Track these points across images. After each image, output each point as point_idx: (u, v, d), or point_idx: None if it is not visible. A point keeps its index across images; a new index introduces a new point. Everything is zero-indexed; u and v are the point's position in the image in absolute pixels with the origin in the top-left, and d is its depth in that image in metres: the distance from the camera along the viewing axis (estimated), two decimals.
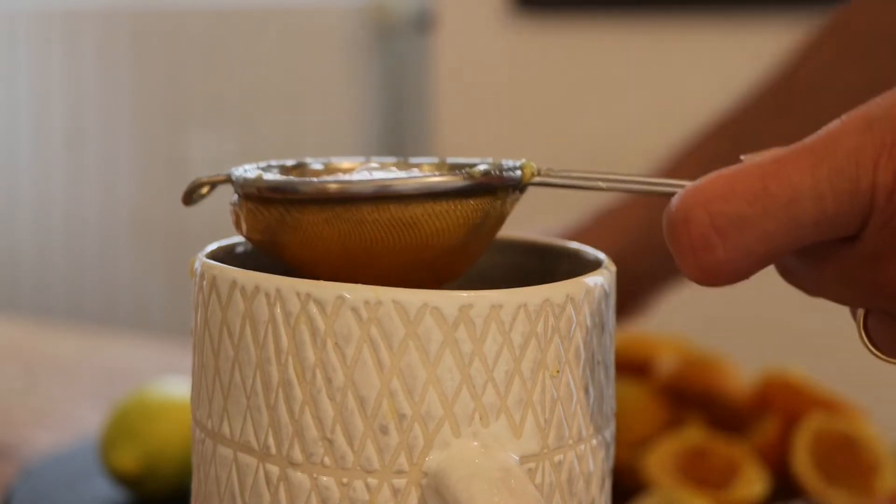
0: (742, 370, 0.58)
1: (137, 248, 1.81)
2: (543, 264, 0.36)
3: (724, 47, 1.18)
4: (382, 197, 0.28)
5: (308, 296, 0.27)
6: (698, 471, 0.50)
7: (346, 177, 0.30)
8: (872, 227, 0.25)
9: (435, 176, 0.29)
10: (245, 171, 0.31)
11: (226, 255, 0.34)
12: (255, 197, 0.30)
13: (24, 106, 1.89)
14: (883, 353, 0.28)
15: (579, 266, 0.33)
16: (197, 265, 0.31)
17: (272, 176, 0.30)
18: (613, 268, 0.32)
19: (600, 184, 0.30)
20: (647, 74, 1.23)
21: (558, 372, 0.28)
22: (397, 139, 1.61)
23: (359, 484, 0.27)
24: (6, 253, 1.92)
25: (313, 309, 0.27)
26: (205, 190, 0.33)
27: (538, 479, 0.28)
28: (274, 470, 0.28)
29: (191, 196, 0.33)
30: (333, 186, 0.29)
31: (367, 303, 0.27)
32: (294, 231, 0.29)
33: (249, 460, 0.28)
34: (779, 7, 1.15)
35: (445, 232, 0.29)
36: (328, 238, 0.29)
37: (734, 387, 0.56)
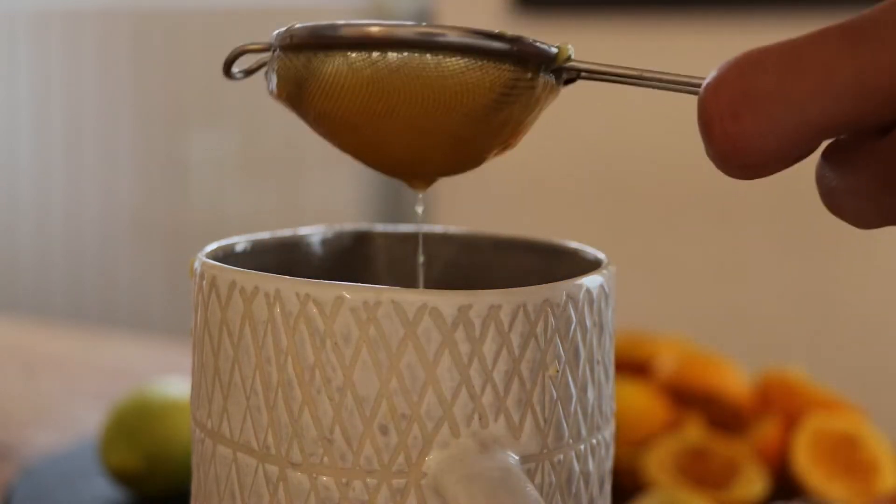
0: (742, 370, 0.58)
1: (137, 248, 1.81)
2: (543, 264, 0.36)
3: (724, 47, 1.18)
4: (404, 43, 0.28)
5: (307, 296, 0.27)
6: (698, 471, 0.50)
7: (370, 21, 0.29)
8: None
9: (458, 29, 0.28)
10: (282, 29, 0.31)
11: (226, 255, 0.34)
12: (285, 47, 0.30)
13: (23, 106, 1.89)
14: None
15: (579, 266, 0.33)
16: (197, 265, 0.31)
17: (308, 23, 0.30)
18: (613, 268, 0.32)
19: (633, 73, 0.30)
20: None
21: (558, 372, 0.28)
22: None
23: (358, 484, 0.27)
24: (6, 253, 1.92)
25: (313, 309, 0.27)
26: (253, 50, 0.32)
27: (538, 479, 0.28)
28: (273, 470, 0.28)
29: (230, 65, 0.33)
30: (346, 31, 0.28)
31: (366, 303, 0.27)
32: (317, 78, 0.29)
33: (249, 460, 0.28)
34: (778, 7, 1.15)
35: (471, 91, 0.28)
36: (350, 85, 0.29)
37: (734, 387, 0.56)
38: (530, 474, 0.28)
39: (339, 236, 0.38)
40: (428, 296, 0.27)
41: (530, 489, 0.26)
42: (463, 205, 1.32)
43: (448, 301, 0.27)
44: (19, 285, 1.91)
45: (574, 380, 0.29)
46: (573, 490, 0.29)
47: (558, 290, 0.28)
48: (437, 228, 0.39)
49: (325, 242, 0.38)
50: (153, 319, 1.77)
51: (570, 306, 0.29)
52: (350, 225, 0.39)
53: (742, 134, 0.24)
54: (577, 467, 0.29)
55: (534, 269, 0.36)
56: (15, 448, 0.62)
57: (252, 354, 0.28)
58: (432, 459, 0.27)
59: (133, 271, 1.81)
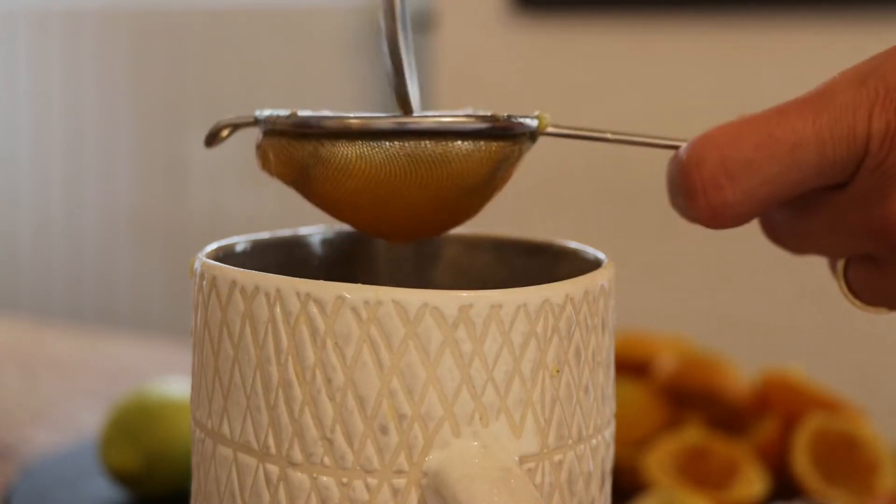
0: (742, 370, 0.58)
1: (137, 248, 1.81)
2: (543, 264, 0.36)
3: (724, 47, 1.18)
4: (414, 133, 0.30)
5: (308, 296, 0.27)
6: (698, 471, 0.50)
7: (370, 115, 0.31)
8: (864, 171, 0.28)
9: (464, 117, 0.31)
10: (270, 111, 0.32)
11: (226, 255, 0.34)
12: (289, 133, 0.31)
13: (23, 106, 1.89)
14: (863, 302, 0.31)
15: (579, 266, 0.33)
16: (197, 265, 0.31)
17: (306, 112, 0.31)
18: (613, 268, 0.32)
19: (608, 136, 0.32)
20: (648, 74, 1.23)
21: (558, 372, 0.28)
22: None
23: (358, 484, 0.27)
24: (6, 253, 1.92)
25: (313, 309, 0.27)
26: (226, 132, 0.34)
27: (538, 479, 0.28)
28: (274, 470, 0.28)
29: (213, 139, 0.34)
30: (359, 122, 0.30)
31: (366, 303, 0.27)
32: (325, 165, 0.31)
33: (249, 460, 0.28)
34: (778, 7, 1.15)
35: (470, 170, 0.31)
36: (360, 172, 0.30)
37: (734, 387, 0.56)
38: (531, 474, 0.28)
39: (339, 236, 0.38)
40: (429, 295, 0.27)
41: (531, 489, 0.26)
42: None
43: (449, 301, 0.27)
44: (19, 285, 1.91)
45: (574, 380, 0.29)
46: (573, 490, 0.29)
47: (558, 290, 0.28)
48: None
49: (325, 242, 0.38)
50: (153, 319, 1.77)
51: (570, 306, 0.29)
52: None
53: (723, 204, 0.28)
54: (577, 467, 0.29)
55: (534, 269, 0.36)
56: (15, 448, 0.62)
57: (252, 354, 0.28)
58: (432, 459, 0.27)
59: (133, 271, 1.81)
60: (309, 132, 0.31)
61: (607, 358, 0.31)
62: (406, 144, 0.30)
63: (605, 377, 0.31)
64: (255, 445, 0.28)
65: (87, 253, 1.85)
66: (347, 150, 0.30)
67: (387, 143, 0.30)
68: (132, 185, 1.81)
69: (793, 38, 1.14)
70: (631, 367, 0.58)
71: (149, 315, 1.78)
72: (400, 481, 0.27)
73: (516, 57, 1.32)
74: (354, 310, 0.27)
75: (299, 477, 0.28)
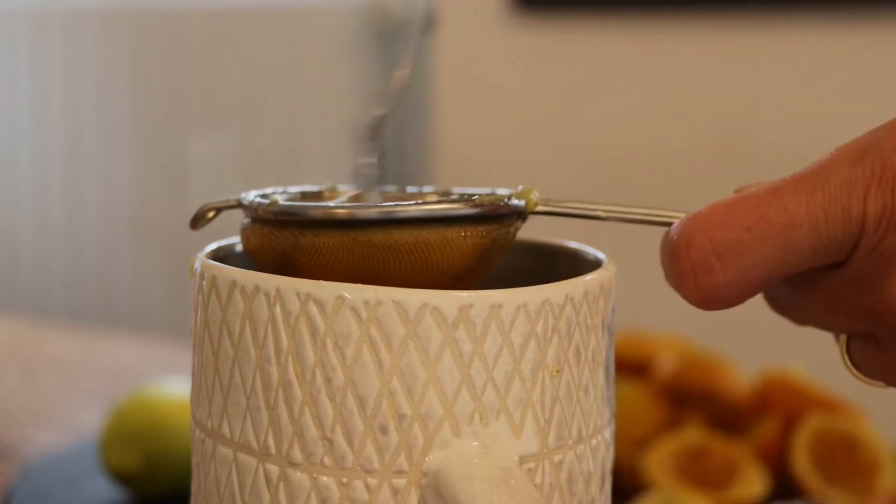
0: (742, 370, 0.58)
1: (137, 248, 1.80)
2: (543, 264, 0.36)
3: (724, 47, 1.18)
4: (395, 221, 0.29)
5: (308, 296, 0.27)
6: (698, 471, 0.50)
7: (356, 203, 0.31)
8: (861, 252, 0.27)
9: (446, 202, 0.30)
10: (255, 196, 0.32)
11: (226, 255, 0.34)
12: (270, 221, 0.31)
13: (23, 106, 1.89)
14: (864, 375, 0.30)
15: (579, 266, 0.33)
16: (197, 265, 0.31)
17: (286, 201, 0.31)
18: (613, 268, 0.32)
19: (599, 213, 0.31)
20: (648, 74, 1.23)
21: (558, 372, 0.28)
22: (397, 139, 1.61)
23: (358, 484, 0.27)
24: (6, 253, 1.92)
25: (313, 309, 0.27)
26: (211, 214, 0.33)
27: (538, 479, 0.28)
28: (274, 470, 0.28)
29: (198, 221, 0.33)
30: (341, 212, 0.29)
31: (366, 303, 0.27)
32: (307, 254, 0.30)
33: (249, 460, 0.28)
34: (777, 8, 1.15)
35: (455, 257, 0.30)
36: (340, 261, 0.30)
37: (734, 387, 0.56)
38: (531, 474, 0.28)
39: None
40: (429, 295, 0.27)
41: (531, 489, 0.26)
42: None
43: (449, 301, 0.27)
44: (19, 285, 1.90)
45: (574, 380, 0.29)
46: (573, 490, 0.29)
47: (558, 290, 0.28)
48: None
49: None
50: (153, 319, 1.77)
51: (570, 306, 0.29)
52: None
53: (714, 286, 0.28)
54: (577, 467, 0.29)
55: (534, 269, 0.36)
56: (15, 448, 0.62)
57: (252, 354, 0.28)
58: (432, 459, 0.27)
59: (133, 271, 1.81)
60: (290, 220, 0.30)
61: (607, 358, 0.31)
62: (385, 235, 0.29)
63: (605, 377, 0.31)
64: (255, 445, 0.28)
65: (87, 253, 1.85)
66: (329, 241, 0.30)
67: (370, 233, 0.29)
68: (132, 185, 1.81)
69: (793, 38, 1.14)
70: (631, 367, 0.58)
71: (149, 315, 1.78)
72: (400, 481, 0.27)
73: (516, 57, 1.32)
74: (354, 310, 0.27)
75: (299, 477, 0.28)
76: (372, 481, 0.27)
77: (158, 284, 1.77)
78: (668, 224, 0.29)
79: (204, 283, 0.30)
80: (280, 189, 0.34)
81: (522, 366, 0.28)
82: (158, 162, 1.78)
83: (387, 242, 0.29)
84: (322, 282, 0.27)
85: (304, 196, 0.35)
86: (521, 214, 0.31)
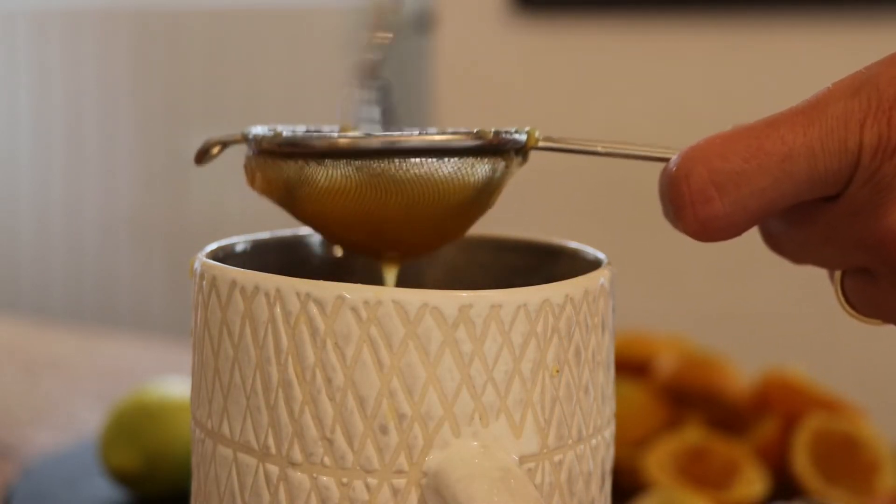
0: (742, 370, 0.58)
1: (137, 248, 1.81)
2: (543, 264, 0.36)
3: (724, 47, 1.18)
4: (398, 151, 0.30)
5: (308, 296, 0.27)
6: (698, 471, 0.50)
7: (358, 133, 0.31)
8: (856, 184, 0.28)
9: (448, 134, 0.30)
10: (260, 129, 0.32)
11: (226, 255, 0.34)
12: (275, 152, 0.31)
13: (23, 106, 1.89)
14: (859, 313, 0.30)
15: (579, 266, 0.33)
16: (197, 265, 0.31)
17: (290, 131, 0.31)
18: (613, 268, 0.32)
19: (598, 148, 0.32)
20: (648, 74, 1.23)
21: (558, 372, 0.28)
22: None
23: (358, 484, 0.27)
24: (6, 253, 1.92)
25: (313, 309, 0.27)
26: (216, 149, 0.34)
27: (538, 479, 0.28)
28: (274, 470, 0.28)
29: (203, 156, 0.33)
30: (345, 141, 0.30)
31: (366, 303, 0.27)
32: (311, 185, 0.30)
33: (249, 460, 0.28)
34: (777, 8, 1.15)
35: (457, 188, 0.30)
36: (344, 192, 0.30)
37: (734, 387, 0.56)
38: (530, 474, 0.28)
39: None
40: (429, 295, 0.27)
41: (531, 489, 0.26)
42: None
43: (449, 301, 0.27)
44: (19, 285, 1.91)
45: (574, 380, 0.29)
46: (573, 490, 0.29)
47: (558, 290, 0.28)
48: None
49: (325, 243, 0.38)
50: (153, 319, 1.77)
51: (570, 306, 0.29)
52: None
53: (712, 216, 0.28)
54: (577, 467, 0.29)
55: (534, 269, 0.36)
56: (15, 448, 0.62)
57: (252, 354, 0.28)
58: (432, 459, 0.27)
59: (133, 271, 1.81)
60: (294, 152, 0.30)
61: (607, 358, 0.31)
62: (390, 164, 0.30)
63: (605, 377, 0.31)
64: (255, 445, 0.28)
65: (87, 253, 1.85)
66: (332, 171, 0.30)
67: (372, 164, 0.30)
68: (132, 185, 1.81)
69: (792, 38, 1.14)
70: (631, 367, 0.58)
71: (149, 315, 1.78)
72: (400, 481, 0.27)
73: (516, 57, 1.32)
74: (354, 310, 0.27)
75: (299, 477, 0.28)
76: (372, 481, 0.27)
77: (158, 284, 1.77)
78: (667, 160, 0.30)
79: (204, 283, 0.30)
80: (285, 126, 0.34)
81: (522, 366, 0.28)
82: (158, 162, 1.78)
83: (389, 172, 0.30)
84: (322, 282, 0.27)
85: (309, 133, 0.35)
86: (521, 150, 0.32)
